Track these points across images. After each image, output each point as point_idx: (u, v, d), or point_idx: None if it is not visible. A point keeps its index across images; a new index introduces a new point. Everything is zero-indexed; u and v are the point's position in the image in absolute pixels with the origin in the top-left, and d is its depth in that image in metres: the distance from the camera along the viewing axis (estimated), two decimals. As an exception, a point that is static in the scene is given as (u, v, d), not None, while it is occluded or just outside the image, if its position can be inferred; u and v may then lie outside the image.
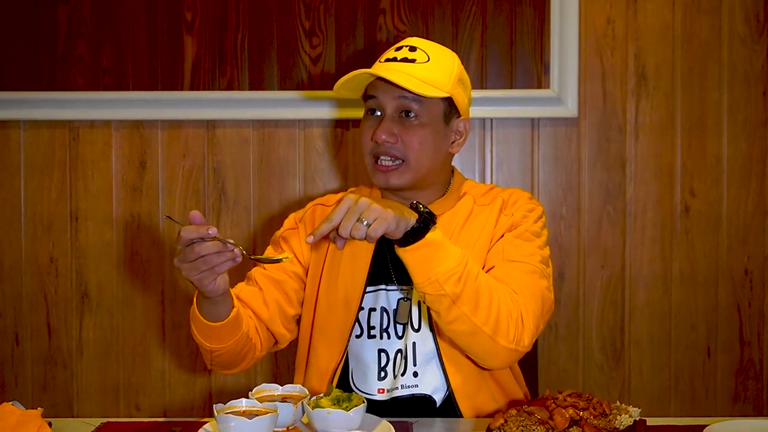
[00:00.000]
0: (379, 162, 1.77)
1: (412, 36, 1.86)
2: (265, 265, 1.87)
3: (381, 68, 1.76)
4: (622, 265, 2.49)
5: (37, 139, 2.51)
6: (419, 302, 1.80)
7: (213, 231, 1.48)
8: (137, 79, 2.47)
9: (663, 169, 2.48)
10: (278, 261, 1.66)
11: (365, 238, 1.52)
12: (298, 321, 1.90)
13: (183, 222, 1.49)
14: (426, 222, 1.56)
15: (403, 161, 1.76)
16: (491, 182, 2.47)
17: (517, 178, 2.49)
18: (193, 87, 2.46)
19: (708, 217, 2.48)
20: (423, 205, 1.58)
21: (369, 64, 1.80)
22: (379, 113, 1.79)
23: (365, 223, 1.51)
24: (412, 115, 1.76)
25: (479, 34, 2.44)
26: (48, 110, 2.48)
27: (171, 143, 2.50)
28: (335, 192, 1.99)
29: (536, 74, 2.44)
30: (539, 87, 2.44)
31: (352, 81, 1.78)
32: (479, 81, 2.44)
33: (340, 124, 2.49)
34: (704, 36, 2.46)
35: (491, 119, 2.47)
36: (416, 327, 1.80)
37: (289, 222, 1.94)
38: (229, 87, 2.46)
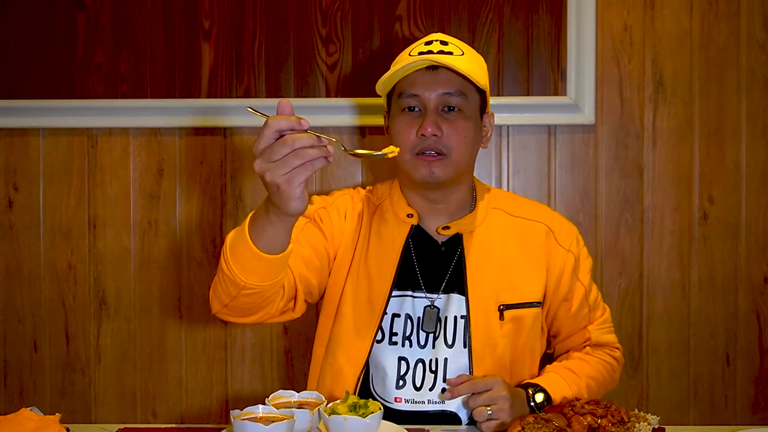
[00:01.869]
0: (421, 155, 1.75)
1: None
2: (303, 228, 1.79)
3: (433, 58, 1.74)
4: (640, 273, 2.48)
5: (56, 146, 2.53)
6: (455, 317, 1.80)
7: (306, 122, 1.35)
8: (155, 86, 2.48)
9: (681, 176, 2.47)
10: (383, 155, 1.47)
11: (479, 424, 1.65)
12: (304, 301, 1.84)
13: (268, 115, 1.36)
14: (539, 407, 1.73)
15: (445, 155, 1.76)
16: (507, 189, 2.47)
17: (533, 185, 2.48)
18: (211, 94, 2.47)
19: (727, 224, 2.47)
20: (533, 393, 1.73)
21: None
22: (418, 110, 1.78)
23: (489, 412, 1.64)
24: (455, 109, 1.76)
25: (496, 40, 2.44)
26: (67, 118, 2.49)
27: (188, 150, 2.51)
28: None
29: (553, 81, 2.44)
30: (556, 94, 2.44)
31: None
32: (496, 88, 2.44)
33: (357, 131, 2.49)
34: (722, 42, 2.44)
35: (508, 126, 2.47)
36: (450, 343, 1.79)
37: (318, 201, 1.89)
38: (246, 94, 2.47)
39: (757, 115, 2.45)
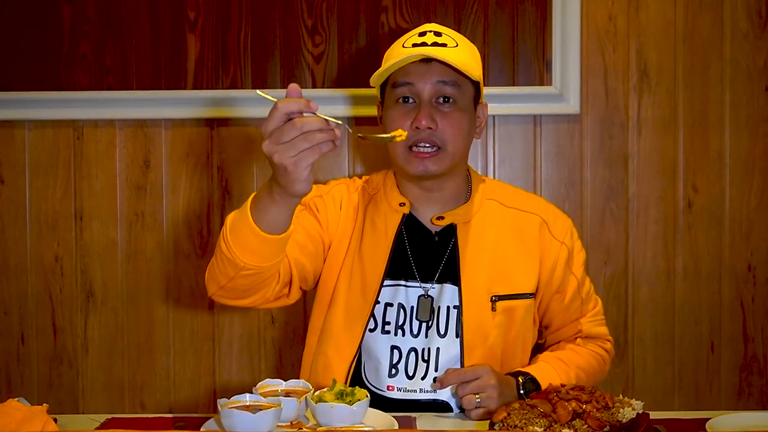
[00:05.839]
0: (414, 149, 1.74)
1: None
2: (298, 215, 1.76)
3: (427, 51, 1.73)
4: (625, 262, 2.50)
5: (42, 138, 2.52)
6: (448, 307, 1.80)
7: (315, 105, 1.38)
8: (141, 78, 2.48)
9: (665, 166, 2.48)
10: (391, 138, 1.50)
11: (468, 411, 1.66)
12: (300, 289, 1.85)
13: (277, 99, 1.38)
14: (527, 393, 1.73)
15: (439, 148, 1.75)
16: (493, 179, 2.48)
17: (519, 175, 2.49)
18: (197, 86, 2.47)
19: (711, 213, 2.48)
20: (524, 383, 1.73)
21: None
22: (412, 100, 1.77)
23: (477, 400, 1.65)
24: (450, 100, 1.76)
25: (481, 31, 2.45)
26: (52, 110, 2.48)
27: (175, 142, 2.51)
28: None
29: (538, 71, 2.45)
30: (541, 84, 2.45)
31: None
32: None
33: (344, 122, 2.49)
34: (706, 32, 2.46)
35: (493, 116, 2.48)
36: (443, 333, 1.79)
37: (314, 189, 1.85)
38: (233, 86, 2.47)
39: (740, 104, 2.47)
